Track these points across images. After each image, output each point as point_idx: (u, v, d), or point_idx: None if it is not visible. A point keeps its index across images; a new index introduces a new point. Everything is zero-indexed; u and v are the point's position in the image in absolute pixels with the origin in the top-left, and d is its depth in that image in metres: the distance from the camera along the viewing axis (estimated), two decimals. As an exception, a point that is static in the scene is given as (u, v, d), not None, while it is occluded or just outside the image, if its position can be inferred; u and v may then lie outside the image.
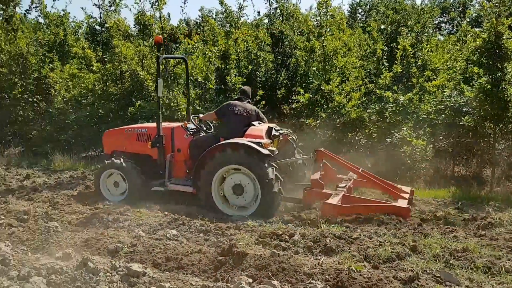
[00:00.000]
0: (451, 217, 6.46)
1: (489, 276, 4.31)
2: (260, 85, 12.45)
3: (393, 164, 8.80)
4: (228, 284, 4.04)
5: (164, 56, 7.72)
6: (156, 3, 11.17)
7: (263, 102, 11.14)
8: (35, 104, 12.58)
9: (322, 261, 4.62)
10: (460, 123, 8.86)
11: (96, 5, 13.11)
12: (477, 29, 11.36)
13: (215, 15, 19.39)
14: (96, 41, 15.10)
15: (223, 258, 4.58)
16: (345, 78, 10.40)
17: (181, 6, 15.06)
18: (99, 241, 5.16)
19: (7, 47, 12.26)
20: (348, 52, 11.30)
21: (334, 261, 4.63)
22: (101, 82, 11.78)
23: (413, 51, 10.82)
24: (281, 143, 7.48)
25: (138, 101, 10.76)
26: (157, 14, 11.42)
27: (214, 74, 10.88)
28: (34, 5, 14.10)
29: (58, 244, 5.12)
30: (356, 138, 9.54)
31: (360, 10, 20.77)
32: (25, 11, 14.18)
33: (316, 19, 11.56)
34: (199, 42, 11.69)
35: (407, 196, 6.85)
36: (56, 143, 11.52)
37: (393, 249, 4.90)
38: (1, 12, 13.09)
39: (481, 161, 9.67)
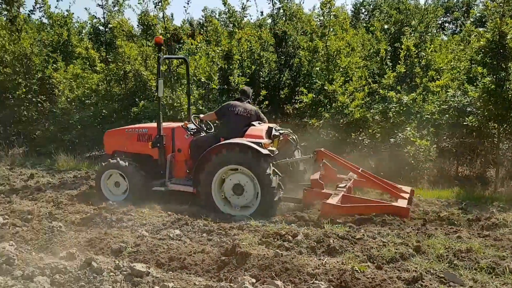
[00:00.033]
0: (455, 217, 6.44)
1: (493, 277, 4.29)
2: (263, 85, 12.44)
3: (397, 164, 8.78)
4: (232, 284, 4.04)
5: (164, 56, 7.76)
6: (160, 4, 11.19)
7: (266, 102, 11.14)
8: (39, 104, 12.62)
9: (325, 262, 4.61)
10: (464, 123, 8.83)
11: (99, 5, 13.14)
12: (481, 29, 11.32)
13: (218, 15, 19.37)
14: (100, 41, 15.12)
15: (226, 258, 4.58)
16: (348, 78, 10.38)
17: (184, 7, 15.05)
18: (102, 240, 5.18)
19: (11, 47, 12.30)
20: (351, 52, 11.27)
21: (337, 262, 4.62)
22: (105, 82, 11.80)
23: (416, 51, 10.78)
24: (281, 143, 7.49)
25: (142, 101, 10.78)
26: (161, 15, 11.44)
27: (217, 74, 10.88)
28: (38, 5, 14.13)
29: (62, 243, 5.14)
30: (360, 138, 9.51)
31: (363, 10, 20.72)
32: (29, 11, 14.20)
33: (320, 19, 11.53)
34: (202, 42, 11.70)
35: (407, 196, 6.84)
36: (60, 143, 11.55)
37: (396, 249, 4.89)
38: (5, 12, 13.14)
39: (485, 161, 9.63)
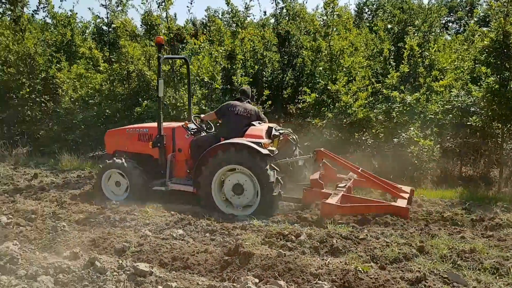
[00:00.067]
0: (458, 217, 6.42)
1: (497, 277, 4.28)
2: (266, 85, 12.44)
3: (400, 164, 8.77)
4: (235, 284, 4.04)
5: (165, 56, 7.80)
6: (163, 4, 11.20)
7: (269, 102, 11.14)
8: (42, 104, 12.67)
9: (328, 262, 4.61)
10: (468, 123, 8.81)
11: (103, 5, 13.17)
12: (484, 29, 11.31)
13: (221, 15, 19.40)
14: (103, 41, 15.16)
15: (229, 258, 4.58)
16: (351, 78, 10.37)
17: (187, 6, 15.06)
18: (106, 240, 5.19)
19: (15, 47, 12.34)
20: (354, 51, 11.27)
21: (340, 262, 4.62)
22: (108, 82, 11.83)
23: (420, 51, 10.77)
24: (281, 143, 7.50)
25: (145, 101, 10.80)
26: (164, 14, 11.46)
27: (220, 74, 10.89)
28: (41, 5, 14.20)
29: (66, 243, 5.15)
30: (363, 138, 9.51)
31: (366, 10, 20.70)
32: (33, 11, 14.28)
33: (323, 19, 11.54)
34: (205, 42, 11.71)
35: (406, 195, 6.84)
36: (63, 143, 11.59)
37: (400, 249, 4.88)
38: (9, 12, 13.20)
39: (488, 161, 9.60)
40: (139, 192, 7.22)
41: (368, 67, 11.06)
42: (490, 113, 8.37)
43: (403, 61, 10.41)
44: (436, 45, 11.18)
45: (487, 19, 14.97)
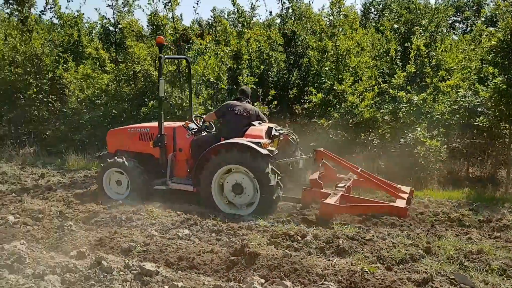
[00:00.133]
0: (465, 218, 6.39)
1: (505, 279, 4.25)
2: (272, 85, 12.45)
3: (407, 165, 8.73)
4: (240, 284, 4.04)
5: (165, 56, 7.84)
6: (169, 4, 11.22)
7: (275, 102, 11.13)
8: (49, 104, 12.74)
9: (334, 262, 4.60)
10: (475, 123, 8.75)
11: (109, 6, 13.22)
12: (492, 29, 11.22)
13: (227, 15, 19.40)
14: (110, 41, 15.21)
15: (235, 258, 4.58)
16: (358, 78, 10.34)
17: (193, 7, 15.14)
18: (112, 240, 5.21)
19: (22, 47, 12.42)
20: (361, 51, 11.23)
21: (347, 262, 4.61)
22: (115, 82, 11.87)
23: (427, 51, 10.71)
24: (281, 143, 7.51)
25: (151, 101, 10.83)
26: (170, 15, 11.47)
27: (226, 74, 10.90)
28: (48, 6, 14.25)
29: (73, 242, 5.18)
30: (369, 138, 9.47)
31: (373, 10, 20.62)
32: (40, 12, 14.31)
33: (329, 19, 11.52)
34: (211, 42, 11.72)
35: (406, 196, 6.82)
36: (70, 143, 11.64)
37: (406, 250, 4.86)
38: (17, 13, 13.26)
39: (496, 162, 9.53)
40: (140, 191, 7.27)
41: (375, 67, 11.03)
42: (497, 113, 8.30)
43: (409, 61, 10.36)
44: (443, 45, 11.12)
45: (495, 19, 14.86)
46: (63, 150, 11.22)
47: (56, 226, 5.71)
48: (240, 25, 13.49)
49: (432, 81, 9.81)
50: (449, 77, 10.08)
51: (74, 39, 13.90)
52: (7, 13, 13.64)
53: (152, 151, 7.54)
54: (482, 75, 9.94)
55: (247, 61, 11.65)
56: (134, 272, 4.23)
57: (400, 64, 10.88)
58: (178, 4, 11.28)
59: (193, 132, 7.54)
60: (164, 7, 11.44)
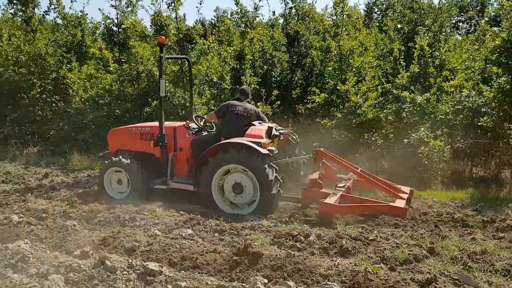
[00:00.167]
0: (469, 219, 6.37)
1: (509, 279, 4.23)
2: (275, 85, 12.44)
3: (410, 165, 8.72)
4: (244, 284, 4.04)
5: (166, 56, 7.86)
6: (172, 4, 11.23)
7: (278, 102, 11.13)
8: (53, 104, 12.78)
9: (338, 263, 4.59)
10: (479, 123, 8.72)
11: (113, 6, 13.26)
12: (496, 28, 11.18)
13: (230, 15, 19.41)
14: (113, 42, 15.24)
15: (238, 258, 4.58)
16: (361, 78, 10.32)
17: (197, 7, 15.13)
18: (116, 239, 5.22)
19: (26, 47, 12.46)
20: (364, 51, 11.22)
21: (350, 263, 4.60)
22: (118, 82, 11.89)
23: (430, 51, 10.69)
24: (282, 142, 7.52)
25: (154, 101, 10.84)
26: (173, 15, 11.48)
27: (229, 74, 10.90)
28: (52, 6, 14.29)
29: (76, 242, 5.19)
30: (373, 138, 9.46)
31: (376, 10, 20.58)
32: (44, 12, 14.34)
33: (332, 19, 11.49)
34: (214, 43, 11.74)
35: (405, 196, 6.81)
36: (74, 143, 11.68)
37: (410, 251, 4.85)
38: (21, 13, 13.30)
39: (500, 162, 9.50)
40: (140, 191, 7.30)
41: (378, 67, 11.01)
42: (501, 113, 8.28)
43: (413, 61, 10.34)
44: (446, 45, 11.09)
45: (498, 19, 14.80)
46: (66, 150, 11.25)
47: (59, 225, 5.73)
48: (243, 25, 13.47)
49: (435, 81, 9.78)
50: (453, 77, 10.05)
51: (77, 39, 13.93)
52: (11, 13, 13.72)
53: (152, 150, 7.57)
54: (486, 75, 9.91)
55: (250, 61, 11.64)
56: (138, 271, 4.23)
57: (404, 64, 10.86)
58: (182, 4, 11.30)
59: (193, 132, 7.57)
60: (168, 7, 11.46)
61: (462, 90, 9.42)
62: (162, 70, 7.29)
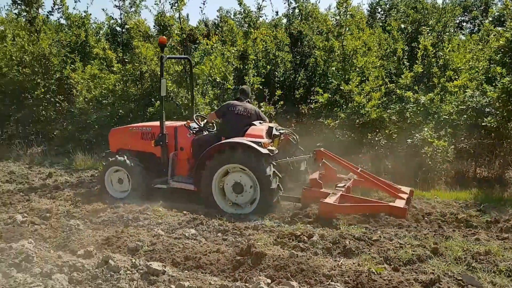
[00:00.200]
0: (473, 219, 6.35)
1: (513, 280, 4.22)
2: (278, 85, 12.43)
3: (414, 165, 8.69)
4: (247, 284, 4.04)
5: (167, 56, 7.88)
6: (176, 4, 11.24)
7: (281, 102, 11.12)
8: (57, 104, 12.82)
9: (341, 263, 4.59)
10: (483, 123, 8.70)
11: (116, 6, 13.26)
12: (500, 28, 11.14)
13: (233, 16, 19.41)
14: (117, 42, 15.26)
15: (241, 258, 4.58)
16: (365, 78, 10.31)
17: (200, 7, 15.15)
18: (119, 239, 5.23)
19: (30, 48, 12.50)
20: (368, 51, 11.20)
21: (353, 263, 4.60)
22: (122, 82, 11.91)
23: (434, 51, 10.66)
24: (282, 142, 7.53)
25: (158, 101, 10.85)
26: (177, 15, 11.49)
27: (233, 74, 10.90)
28: (56, 6, 14.31)
29: (80, 242, 5.21)
30: (376, 138, 9.44)
31: (379, 9, 20.54)
32: (48, 12, 14.35)
33: (336, 19, 11.49)
34: (217, 43, 11.74)
35: (405, 196, 6.81)
36: (77, 143, 11.71)
37: (414, 251, 4.84)
38: (25, 13, 13.34)
39: (504, 162, 9.45)
40: (141, 190, 7.34)
41: (382, 67, 10.98)
42: (505, 113, 8.25)
43: (417, 61, 10.31)
44: (450, 45, 11.05)
45: (502, 19, 14.76)
46: (70, 149, 11.28)
47: (63, 225, 5.75)
48: (247, 25, 13.47)
49: (439, 81, 9.75)
50: (457, 77, 10.01)
51: (81, 40, 13.97)
52: (15, 13, 13.73)
53: (153, 150, 7.60)
54: (490, 75, 9.87)
55: (253, 61, 11.64)
56: (141, 271, 4.24)
57: (407, 64, 10.84)
58: (185, 4, 11.30)
59: (194, 132, 7.59)
60: (171, 7, 11.46)
61: (466, 90, 9.39)
62: (163, 69, 7.30)
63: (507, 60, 8.27)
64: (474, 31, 20.10)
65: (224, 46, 11.62)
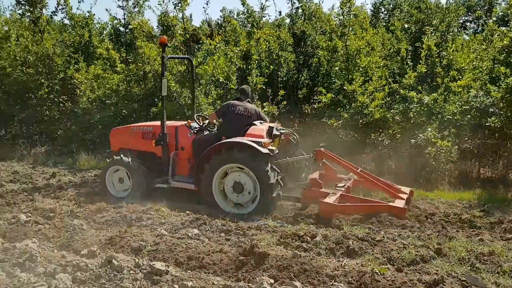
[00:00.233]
0: (476, 220, 6.33)
1: (517, 281, 4.20)
2: (281, 85, 12.43)
3: (417, 166, 8.67)
4: (250, 284, 4.04)
5: (168, 56, 7.89)
6: (179, 5, 11.26)
7: (285, 102, 11.11)
8: (61, 104, 12.85)
9: (344, 263, 4.58)
10: (486, 124, 8.67)
11: (120, 6, 13.30)
12: (504, 28, 11.10)
13: (237, 16, 19.44)
14: (120, 42, 15.30)
15: (244, 258, 4.58)
16: (368, 78, 10.29)
17: (203, 7, 15.16)
18: (123, 239, 5.24)
19: (34, 48, 12.54)
20: (371, 51, 11.18)
21: (357, 263, 4.59)
22: (125, 82, 11.94)
23: (438, 51, 10.63)
24: (282, 142, 7.53)
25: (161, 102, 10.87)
26: (180, 15, 11.51)
27: (236, 74, 10.90)
28: (60, 7, 14.36)
29: (83, 241, 5.22)
30: (379, 139, 9.42)
31: (383, 9, 20.51)
32: (52, 12, 14.40)
33: (339, 19, 11.46)
34: (221, 43, 11.75)
35: (405, 196, 6.81)
36: (81, 143, 11.74)
37: (417, 251, 4.83)
38: (29, 14, 13.39)
39: (507, 162, 9.42)
40: (141, 189, 7.35)
41: (385, 67, 10.96)
42: (509, 113, 8.22)
43: (420, 61, 10.29)
44: (454, 45, 11.02)
45: (506, 19, 14.70)
46: (74, 149, 11.31)
47: (67, 225, 5.76)
48: (250, 25, 13.47)
49: (443, 81, 9.72)
50: (460, 77, 9.99)
51: (85, 40, 14.00)
52: (19, 14, 13.78)
53: (154, 149, 7.62)
54: (493, 75, 9.83)
55: (256, 61, 11.64)
56: (144, 271, 4.25)
57: (411, 64, 10.81)
58: (188, 4, 11.32)
59: (195, 131, 7.60)
60: (174, 7, 11.48)
61: (470, 90, 9.36)
62: (164, 69, 7.31)
63: (511, 60, 8.24)
64: (478, 31, 20.05)
65: (227, 46, 11.63)
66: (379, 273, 4.21)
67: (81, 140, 11.84)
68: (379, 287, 3.96)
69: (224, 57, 10.86)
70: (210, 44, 11.72)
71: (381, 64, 10.71)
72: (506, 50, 8.31)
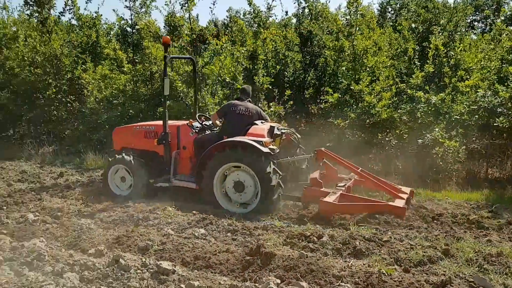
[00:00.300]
0: (484, 220, 6.28)
1: (525, 282, 4.17)
2: (288, 85, 12.42)
3: (425, 166, 8.63)
4: (256, 284, 4.04)
5: (171, 56, 7.91)
6: (186, 5, 11.28)
7: (291, 102, 11.10)
8: (68, 104, 12.92)
9: (351, 264, 4.57)
10: (494, 124, 8.61)
11: (127, 7, 13.32)
12: (512, 27, 11.02)
13: (243, 16, 19.45)
14: (127, 42, 15.34)
15: (251, 258, 4.58)
16: (375, 78, 10.26)
17: (210, 7, 15.19)
18: (130, 238, 5.25)
19: (42, 48, 12.62)
20: (378, 51, 11.14)
21: (363, 264, 4.58)
22: (132, 83, 11.98)
23: (445, 50, 10.57)
24: (284, 142, 7.54)
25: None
26: (187, 16, 11.53)
27: (242, 74, 10.91)
28: (67, 7, 14.41)
29: (91, 241, 5.24)
30: (386, 139, 9.39)
31: (390, 9, 20.43)
32: (59, 13, 14.44)
33: (346, 18, 11.44)
34: (227, 43, 11.75)
35: (405, 196, 6.79)
36: (88, 142, 11.80)
37: (424, 252, 4.81)
38: (37, 14, 13.47)
39: (516, 163, 9.37)
40: (143, 188, 7.40)
41: (392, 67, 10.92)
42: (517, 114, 8.16)
43: (428, 61, 10.24)
44: (461, 45, 10.95)
45: (515, 18, 14.62)
46: (81, 149, 11.37)
47: (74, 224, 5.80)
48: (256, 25, 13.45)
49: (450, 81, 9.67)
50: (468, 77, 9.92)
51: (92, 40, 14.06)
52: (27, 14, 13.86)
53: (156, 148, 7.66)
54: (502, 75, 9.76)
55: (263, 61, 11.64)
56: (151, 270, 4.26)
57: (418, 64, 10.76)
58: (195, 5, 11.34)
59: (196, 131, 7.63)
60: (181, 8, 11.51)
61: (478, 90, 9.30)
62: (166, 69, 7.33)
63: (519, 60, 8.17)
64: (486, 30, 19.92)
65: (234, 46, 11.64)
66: (386, 274, 4.19)
67: (88, 140, 11.90)
68: (386, 288, 3.94)
69: (230, 57, 10.87)
70: (217, 44, 11.73)
71: (388, 64, 10.68)
72: (515, 49, 8.24)
